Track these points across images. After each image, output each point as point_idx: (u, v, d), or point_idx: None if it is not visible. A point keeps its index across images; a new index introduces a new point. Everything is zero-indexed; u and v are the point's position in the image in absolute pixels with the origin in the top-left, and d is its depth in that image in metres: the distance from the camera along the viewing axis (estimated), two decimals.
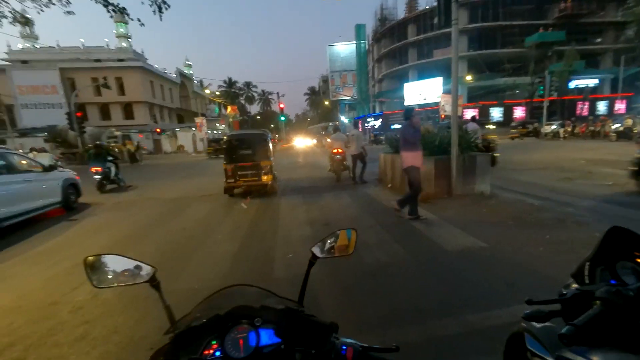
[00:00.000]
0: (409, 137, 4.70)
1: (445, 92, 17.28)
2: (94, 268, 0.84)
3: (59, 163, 11.18)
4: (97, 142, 10.69)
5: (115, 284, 0.85)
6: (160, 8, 6.36)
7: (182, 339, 0.70)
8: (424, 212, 4.99)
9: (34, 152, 16.79)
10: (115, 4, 6.41)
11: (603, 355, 0.62)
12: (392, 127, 35.71)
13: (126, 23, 37.17)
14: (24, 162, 6.38)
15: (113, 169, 9.74)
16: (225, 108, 49.29)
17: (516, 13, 32.54)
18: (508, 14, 32.56)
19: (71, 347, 2.24)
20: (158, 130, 34.79)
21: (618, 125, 18.53)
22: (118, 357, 2.12)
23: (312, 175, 10.74)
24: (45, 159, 9.23)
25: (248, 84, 67.43)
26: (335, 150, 9.16)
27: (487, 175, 6.23)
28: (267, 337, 0.69)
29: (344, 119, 49.92)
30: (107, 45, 37.84)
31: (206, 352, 0.67)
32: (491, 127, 25.79)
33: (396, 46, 39.99)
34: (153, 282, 0.86)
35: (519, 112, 34.20)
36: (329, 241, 0.98)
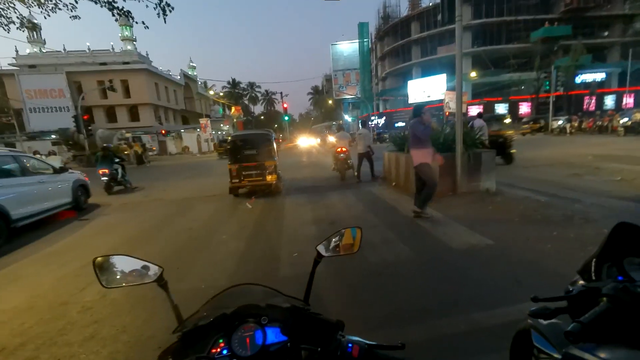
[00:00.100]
0: (419, 134, 4.63)
1: (450, 89, 17.10)
2: (102, 268, 0.85)
3: (68, 165, 11.39)
4: (105, 145, 10.89)
5: (124, 284, 0.86)
6: (164, 10, 6.38)
7: (189, 337, 0.71)
8: (429, 210, 4.95)
9: (48, 154, 16.96)
10: (120, 7, 6.46)
11: (610, 352, 0.61)
12: (396, 125, 35.62)
13: (131, 26, 37.47)
14: (36, 164, 6.56)
15: (120, 170, 9.98)
16: (229, 109, 49.54)
17: (521, 8, 32.09)
18: (513, 9, 32.13)
19: (81, 346, 2.28)
20: (163, 131, 35.03)
21: (626, 119, 18.20)
22: (127, 356, 2.15)
23: (316, 175, 10.73)
24: (56, 161, 9.42)
25: (252, 85, 67.59)
26: (339, 149, 9.15)
27: (492, 172, 6.17)
28: (273, 335, 0.69)
29: (347, 117, 49.87)
30: (113, 49, 38.14)
31: (213, 350, 0.68)
32: (507, 121, 24.40)
33: (399, 44, 39.69)
34: (160, 281, 0.87)
35: (524, 108, 33.85)
36: (334, 240, 0.98)
